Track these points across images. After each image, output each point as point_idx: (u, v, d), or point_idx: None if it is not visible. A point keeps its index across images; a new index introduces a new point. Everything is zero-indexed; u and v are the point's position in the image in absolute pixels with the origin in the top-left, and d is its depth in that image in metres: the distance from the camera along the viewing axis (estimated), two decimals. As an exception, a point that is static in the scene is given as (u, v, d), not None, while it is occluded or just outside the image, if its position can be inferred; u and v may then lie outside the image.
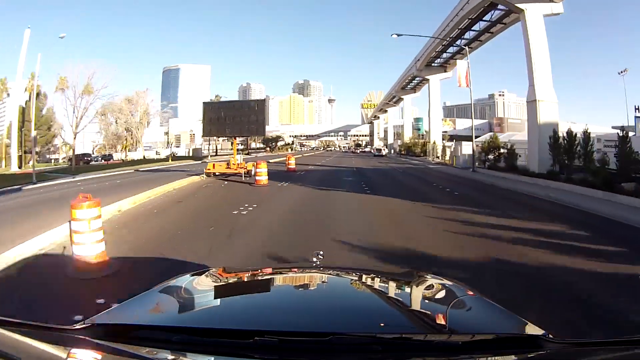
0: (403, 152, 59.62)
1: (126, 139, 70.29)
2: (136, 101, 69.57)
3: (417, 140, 53.25)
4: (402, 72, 60.19)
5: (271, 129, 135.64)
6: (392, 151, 73.27)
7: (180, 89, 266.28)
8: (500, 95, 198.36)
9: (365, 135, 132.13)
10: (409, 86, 64.73)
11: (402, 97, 65.46)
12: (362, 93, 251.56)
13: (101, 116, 63.00)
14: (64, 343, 1.12)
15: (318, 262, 2.30)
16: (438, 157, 41.50)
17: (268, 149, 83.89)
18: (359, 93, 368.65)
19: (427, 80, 48.64)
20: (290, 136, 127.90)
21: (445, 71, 48.31)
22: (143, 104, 67.43)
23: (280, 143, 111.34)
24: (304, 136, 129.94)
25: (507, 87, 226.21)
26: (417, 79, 55.56)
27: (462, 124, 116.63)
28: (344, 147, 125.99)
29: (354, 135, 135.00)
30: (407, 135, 62.98)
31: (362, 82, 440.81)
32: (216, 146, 70.83)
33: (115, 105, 63.83)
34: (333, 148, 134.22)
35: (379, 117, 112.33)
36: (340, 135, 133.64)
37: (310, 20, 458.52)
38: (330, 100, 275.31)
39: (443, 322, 1.33)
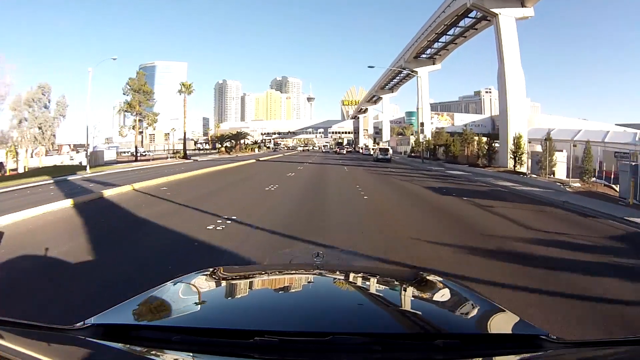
0: (423, 155, 34.36)
1: (19, 140, 44.99)
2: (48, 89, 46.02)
3: (466, 136, 27.22)
4: (423, 26, 34.90)
5: (240, 125, 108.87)
6: (373, 150, 48.13)
7: (156, 86, 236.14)
8: (487, 92, 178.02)
9: (348, 133, 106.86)
10: (423, 55, 39.58)
11: (415, 69, 40.05)
12: (343, 92, 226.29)
13: (14, 111, 42.97)
14: (63, 343, 1.08)
15: (318, 262, 2.01)
16: (553, 174, 16.48)
17: (223, 149, 57.13)
18: (339, 92, 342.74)
19: (494, 16, 23.33)
20: (261, 134, 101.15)
21: (523, 5, 23.25)
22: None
23: (248, 141, 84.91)
24: (277, 133, 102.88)
25: (494, 83, 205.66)
26: (465, 21, 30.02)
27: (462, 119, 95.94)
28: (323, 145, 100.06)
29: (335, 133, 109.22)
30: (427, 128, 37.78)
31: (343, 81, 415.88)
32: (136, 147, 44.01)
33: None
34: (312, 147, 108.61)
35: (366, 110, 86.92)
36: (319, 133, 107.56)
37: (289, 16, 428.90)
38: (309, 99, 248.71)
39: (443, 322, 1.28)
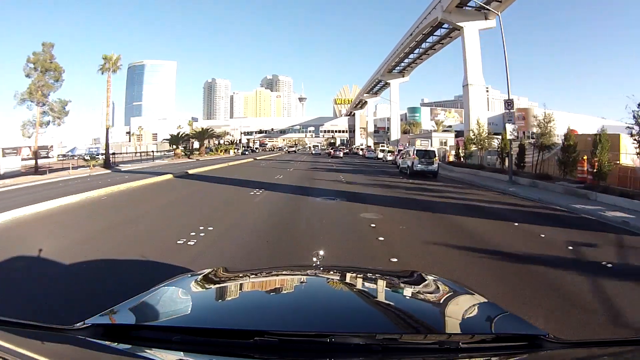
0: (510, 166, 18.19)
1: None
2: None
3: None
4: None
5: (219, 124, 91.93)
6: (400, 155, 31.78)
7: (144, 86, 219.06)
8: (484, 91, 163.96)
9: (343, 132, 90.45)
10: (471, 3, 23.54)
11: (459, 25, 23.94)
12: (335, 92, 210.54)
13: None
14: (63, 343, 1.05)
15: (318, 262, 1.93)
16: None
17: (179, 150, 40.36)
18: (331, 92, 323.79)
19: None
20: (244, 132, 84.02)
21: None
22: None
23: (224, 141, 68.21)
24: (260, 132, 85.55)
25: (491, 82, 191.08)
26: None
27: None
28: (314, 146, 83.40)
29: (328, 132, 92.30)
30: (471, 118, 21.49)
31: (335, 82, 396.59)
32: (35, 153, 27.45)
33: None
34: (301, 147, 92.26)
35: (363, 105, 70.81)
36: (309, 132, 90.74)
37: (281, 15, 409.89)
38: (301, 99, 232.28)
39: (443, 322, 1.25)
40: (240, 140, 65.46)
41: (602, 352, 1.11)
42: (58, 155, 66.88)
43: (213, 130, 51.40)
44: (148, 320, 1.23)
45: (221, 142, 71.63)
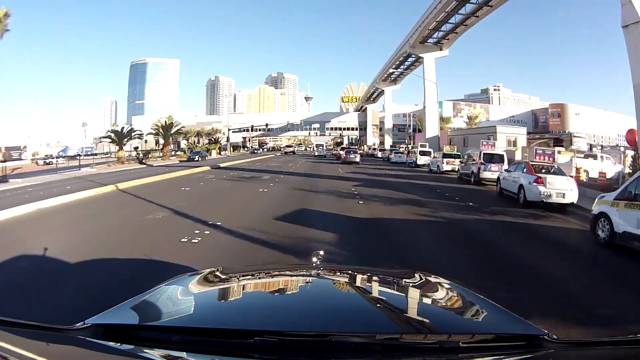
0: None
1: None
2: None
3: None
4: None
5: (210, 120, 79.21)
6: (466, 160, 17.89)
7: (147, 84, 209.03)
8: (495, 89, 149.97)
9: (352, 129, 77.09)
10: None
11: None
12: (342, 90, 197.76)
13: None
14: (63, 343, 1.05)
15: (318, 262, 1.87)
16: None
17: (122, 153, 27.49)
18: (338, 91, 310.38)
19: None
20: (238, 129, 70.99)
21: None
22: None
23: (219, 140, 55.70)
24: (256, 129, 72.18)
25: (502, 80, 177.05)
26: None
27: (498, 113, 69.64)
28: (317, 146, 70.01)
29: (335, 129, 78.82)
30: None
31: (342, 80, 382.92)
32: None
33: None
34: (305, 148, 79.18)
35: (376, 98, 57.52)
36: (314, 129, 77.32)
37: (284, 11, 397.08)
38: (307, 98, 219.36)
39: (443, 322, 1.22)
40: (228, 138, 52.38)
41: (602, 352, 1.09)
42: (46, 155, 53.67)
43: (182, 125, 38.30)
44: (148, 320, 1.20)
45: (208, 141, 59.06)
